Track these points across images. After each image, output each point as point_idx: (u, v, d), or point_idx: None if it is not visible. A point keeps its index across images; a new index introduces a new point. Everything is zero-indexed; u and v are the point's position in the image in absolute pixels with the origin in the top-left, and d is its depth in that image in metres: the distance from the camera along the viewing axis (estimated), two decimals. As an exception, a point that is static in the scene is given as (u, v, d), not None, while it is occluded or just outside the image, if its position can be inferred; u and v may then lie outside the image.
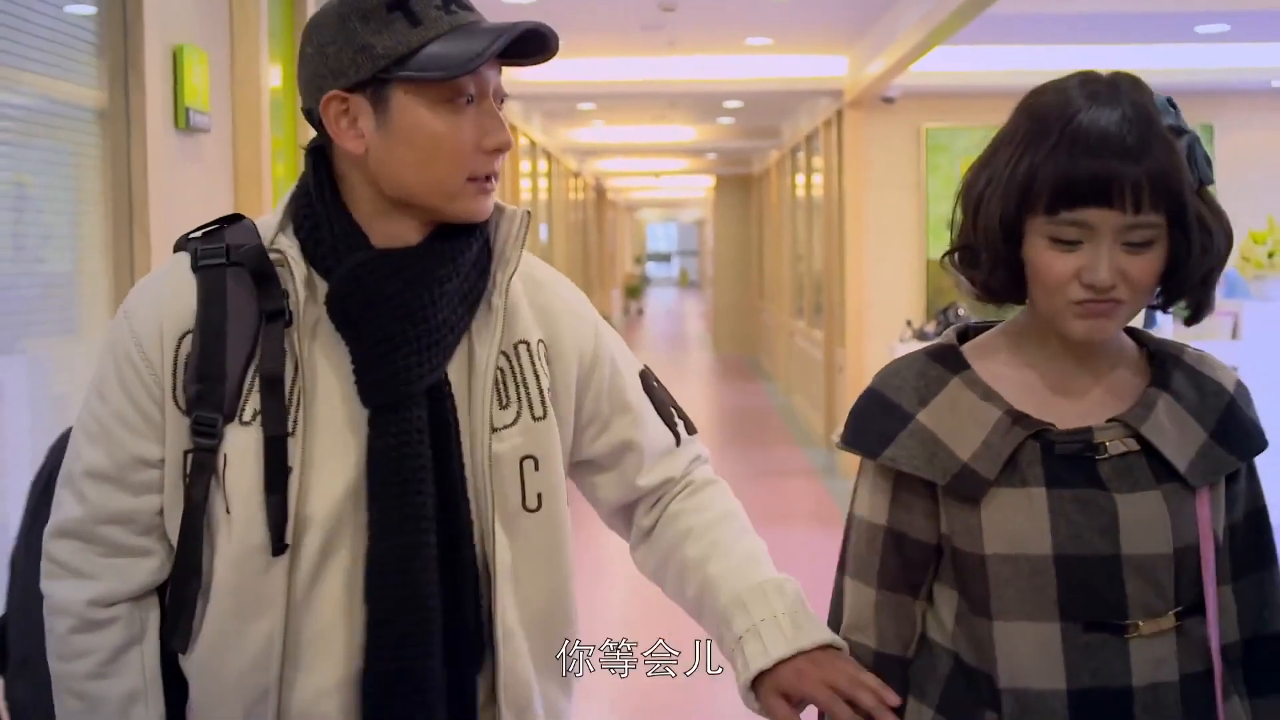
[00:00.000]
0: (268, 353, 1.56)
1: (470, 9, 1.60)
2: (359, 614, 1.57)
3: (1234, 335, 8.12)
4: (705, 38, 9.01)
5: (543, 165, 13.90)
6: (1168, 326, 8.73)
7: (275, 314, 1.57)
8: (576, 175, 18.25)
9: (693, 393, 15.94)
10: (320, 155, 1.63)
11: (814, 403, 12.15)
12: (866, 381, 1.70)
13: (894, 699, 1.60)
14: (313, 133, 1.65)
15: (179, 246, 1.64)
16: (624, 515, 1.86)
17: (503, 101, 1.61)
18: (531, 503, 1.64)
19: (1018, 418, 1.57)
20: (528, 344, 1.67)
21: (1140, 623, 1.54)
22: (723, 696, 4.58)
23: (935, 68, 8.33)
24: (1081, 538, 1.54)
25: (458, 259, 1.61)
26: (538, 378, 1.67)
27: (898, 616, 1.65)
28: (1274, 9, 7.28)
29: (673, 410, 1.84)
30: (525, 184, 11.96)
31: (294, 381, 1.57)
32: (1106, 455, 1.57)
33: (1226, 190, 9.65)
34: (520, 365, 1.67)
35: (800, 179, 13.82)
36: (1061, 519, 1.54)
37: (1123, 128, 1.49)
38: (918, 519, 1.62)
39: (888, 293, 9.50)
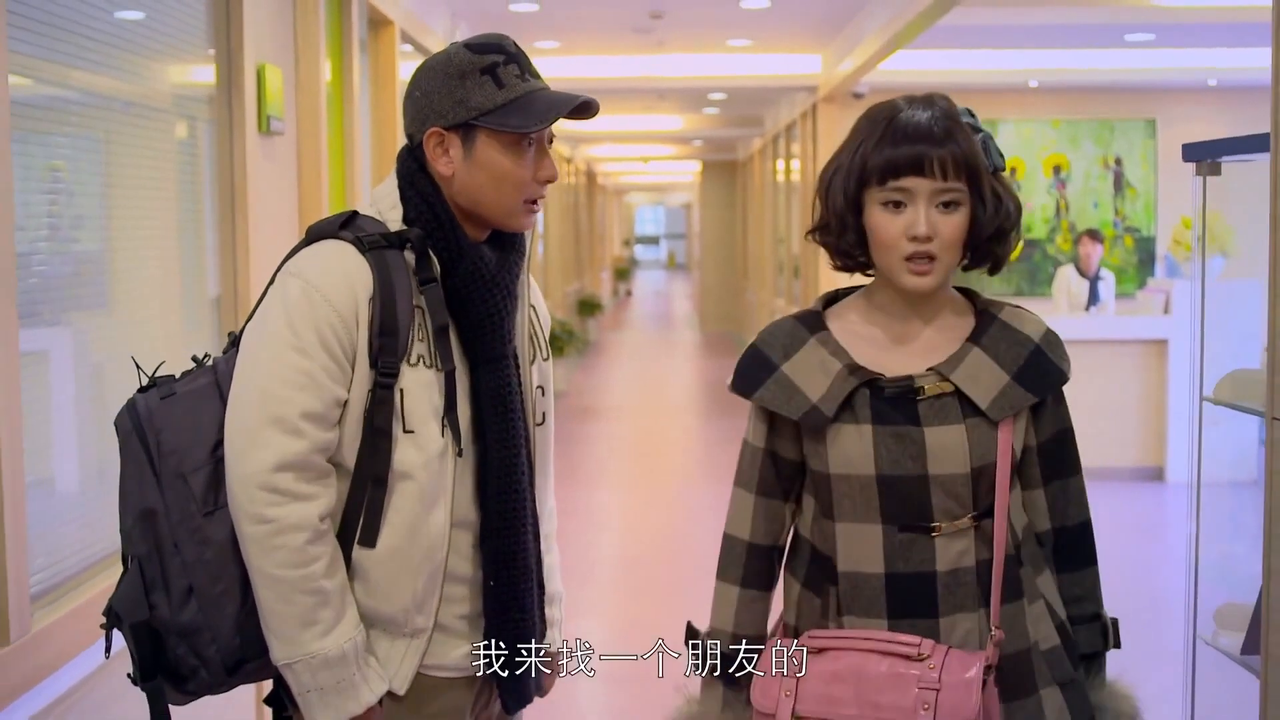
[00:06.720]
0: (434, 310, 1.97)
1: (538, 76, 2.01)
2: (478, 499, 2.05)
3: (1165, 310, 8.72)
4: (690, 40, 9.62)
5: (538, 152, 14.25)
6: (1110, 303, 9.47)
7: (429, 280, 1.97)
8: (568, 160, 18.41)
9: (680, 367, 16.63)
10: (422, 170, 2.02)
11: (792, 375, 12.78)
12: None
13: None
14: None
15: (325, 235, 1.99)
16: None
17: (551, 141, 2.04)
18: (538, 419, 2.16)
19: (854, 369, 1.93)
20: (534, 307, 2.18)
21: (943, 525, 1.91)
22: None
23: (900, 67, 9.01)
24: (898, 462, 1.90)
25: (523, 251, 2.10)
26: (540, 330, 2.19)
27: (769, 516, 2.03)
28: (1194, 22, 7.92)
29: None
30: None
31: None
32: (924, 396, 1.91)
33: (1166, 180, 10.68)
34: (533, 321, 2.17)
35: (780, 165, 14.24)
36: (882, 448, 1.90)
37: (933, 122, 1.88)
38: (786, 442, 2.00)
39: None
